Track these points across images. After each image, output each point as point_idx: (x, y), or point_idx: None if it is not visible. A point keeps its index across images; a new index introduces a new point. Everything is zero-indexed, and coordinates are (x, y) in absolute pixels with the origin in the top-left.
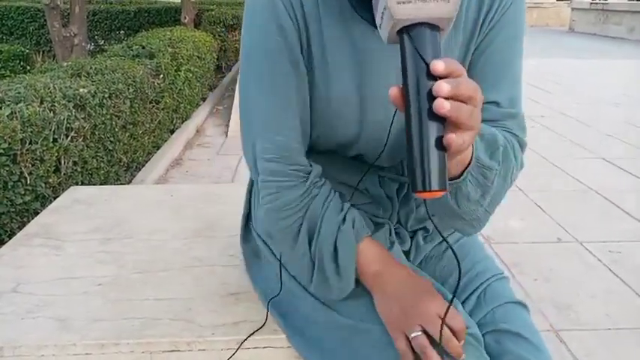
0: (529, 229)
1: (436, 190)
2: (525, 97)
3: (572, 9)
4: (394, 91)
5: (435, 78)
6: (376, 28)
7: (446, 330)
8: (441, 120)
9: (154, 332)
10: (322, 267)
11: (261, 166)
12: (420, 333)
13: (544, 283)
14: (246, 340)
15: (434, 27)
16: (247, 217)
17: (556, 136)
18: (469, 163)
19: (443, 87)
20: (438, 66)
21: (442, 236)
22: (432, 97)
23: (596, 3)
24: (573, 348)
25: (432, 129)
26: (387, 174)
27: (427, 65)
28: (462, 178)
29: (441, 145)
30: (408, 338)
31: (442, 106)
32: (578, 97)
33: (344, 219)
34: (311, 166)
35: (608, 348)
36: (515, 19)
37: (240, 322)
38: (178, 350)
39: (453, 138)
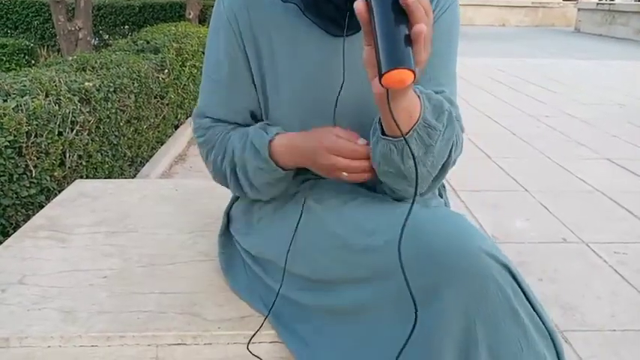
0: (534, 229)
1: (406, 69)
2: (530, 97)
3: (579, 9)
4: (359, 5)
5: None
6: (322, 29)
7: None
8: (405, 22)
9: (159, 325)
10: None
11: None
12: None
13: (549, 283)
14: (254, 335)
15: None
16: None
17: (561, 137)
18: (416, 122)
19: None
20: None
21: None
22: (394, 6)
23: (603, 3)
24: (578, 349)
25: (399, 29)
26: None
27: None
28: (409, 133)
29: (408, 40)
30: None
31: None
32: (583, 97)
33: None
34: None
35: (613, 349)
36: (451, 22)
37: (246, 317)
38: (184, 344)
39: (422, 27)
